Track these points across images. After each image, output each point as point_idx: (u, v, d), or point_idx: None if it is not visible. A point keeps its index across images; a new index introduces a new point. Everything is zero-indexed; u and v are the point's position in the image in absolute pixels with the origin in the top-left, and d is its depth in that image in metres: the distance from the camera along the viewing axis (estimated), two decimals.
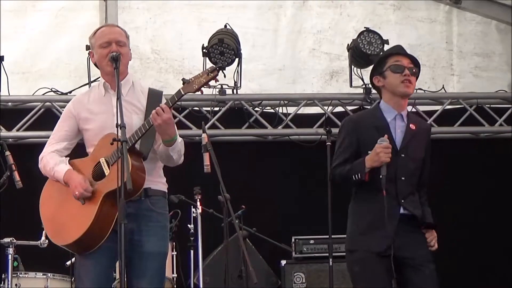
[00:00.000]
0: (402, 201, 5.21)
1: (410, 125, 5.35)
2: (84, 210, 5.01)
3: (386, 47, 8.36)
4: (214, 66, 5.11)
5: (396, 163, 5.18)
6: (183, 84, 5.04)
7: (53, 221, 5.19)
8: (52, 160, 5.22)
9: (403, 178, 5.23)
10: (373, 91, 8.50)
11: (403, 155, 5.26)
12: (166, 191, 5.29)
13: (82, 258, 5.12)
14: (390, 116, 5.34)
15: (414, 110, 8.56)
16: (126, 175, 4.62)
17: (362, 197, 5.31)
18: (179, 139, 5.15)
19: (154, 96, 5.24)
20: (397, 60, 5.36)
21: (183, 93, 5.02)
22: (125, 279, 4.98)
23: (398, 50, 5.47)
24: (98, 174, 5.08)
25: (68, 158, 5.27)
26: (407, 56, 5.43)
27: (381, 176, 5.10)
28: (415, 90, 8.72)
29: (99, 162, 5.07)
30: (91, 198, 5.02)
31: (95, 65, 5.34)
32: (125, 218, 4.64)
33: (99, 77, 5.40)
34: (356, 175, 5.19)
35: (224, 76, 8.22)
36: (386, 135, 5.19)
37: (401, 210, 5.21)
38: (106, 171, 5.03)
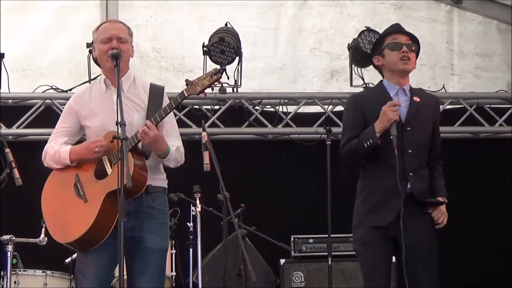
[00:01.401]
0: (410, 174, 5.19)
1: (414, 97, 5.36)
2: (86, 208, 5.02)
3: None
4: (218, 68, 5.10)
5: (402, 136, 5.17)
6: (186, 85, 5.05)
7: (55, 219, 5.19)
8: (55, 146, 5.22)
9: (410, 151, 5.21)
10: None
11: (408, 128, 5.25)
12: (166, 186, 5.29)
13: (83, 254, 5.13)
14: (392, 92, 5.36)
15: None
16: (126, 173, 4.62)
17: (370, 174, 5.31)
18: (174, 148, 5.14)
19: (155, 92, 5.23)
20: (394, 38, 5.38)
21: (186, 94, 5.03)
22: (125, 276, 5.00)
23: (396, 28, 5.49)
24: (101, 173, 5.08)
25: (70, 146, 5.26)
26: (405, 34, 5.45)
27: (391, 137, 5.09)
28: None
29: (102, 160, 5.08)
30: (93, 196, 5.03)
31: (95, 61, 5.32)
32: (125, 216, 4.64)
33: (100, 74, 5.39)
34: (368, 141, 5.17)
35: (228, 77, 8.24)
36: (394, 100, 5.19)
37: (408, 185, 5.18)
38: (109, 170, 5.04)
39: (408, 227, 5.09)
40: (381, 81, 5.49)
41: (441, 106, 8.81)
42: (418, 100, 5.36)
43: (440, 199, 5.32)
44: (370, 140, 5.16)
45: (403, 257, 5.08)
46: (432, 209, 5.28)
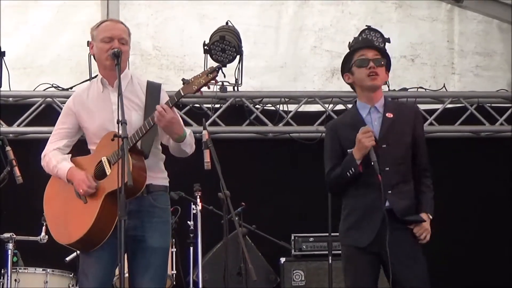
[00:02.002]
0: (389, 192, 5.14)
1: (386, 114, 5.30)
2: (87, 209, 5.01)
3: (387, 46, 8.37)
4: (214, 66, 5.07)
5: (377, 154, 5.11)
6: (183, 84, 5.03)
7: (56, 221, 5.19)
8: (55, 158, 5.21)
9: (387, 169, 5.16)
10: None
11: (384, 146, 5.20)
12: (168, 185, 5.28)
13: (85, 254, 5.13)
14: (364, 112, 5.32)
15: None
16: (126, 172, 4.62)
17: (351, 193, 5.29)
18: (188, 131, 5.14)
19: (153, 90, 5.21)
20: (361, 55, 5.33)
21: (182, 93, 5.00)
22: (127, 275, 5.00)
23: (363, 44, 5.48)
24: (100, 173, 5.07)
25: (70, 155, 5.26)
26: (373, 48, 5.42)
27: (372, 163, 5.06)
28: (416, 89, 8.90)
29: (101, 160, 5.07)
30: (93, 197, 5.03)
31: (93, 56, 5.30)
32: (125, 214, 4.63)
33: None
34: (350, 171, 5.16)
35: (224, 76, 8.24)
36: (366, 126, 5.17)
37: (387, 203, 5.13)
38: (108, 170, 5.03)
39: (390, 241, 5.04)
40: (355, 101, 5.45)
41: (442, 105, 8.92)
42: (392, 116, 5.29)
43: (423, 215, 5.24)
44: (352, 169, 5.16)
45: (390, 269, 5.07)
46: (414, 226, 5.22)
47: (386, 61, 5.37)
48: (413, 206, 5.25)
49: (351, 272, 5.26)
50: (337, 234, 7.48)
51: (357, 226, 5.21)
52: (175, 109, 5.02)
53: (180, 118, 5.14)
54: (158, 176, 5.19)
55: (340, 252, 7.80)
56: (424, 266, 5.21)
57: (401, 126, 5.30)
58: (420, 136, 5.38)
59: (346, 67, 5.42)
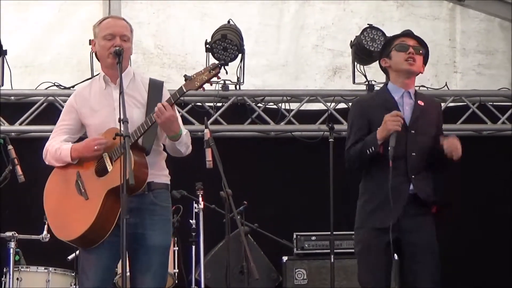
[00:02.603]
0: (413, 176, 5.20)
1: (418, 101, 5.38)
2: (88, 206, 5.00)
3: None
4: (216, 63, 5.07)
5: (406, 139, 5.20)
6: (185, 81, 5.03)
7: (56, 216, 5.18)
8: (56, 144, 5.21)
9: (413, 154, 5.23)
10: (376, 87, 8.55)
11: (413, 131, 5.27)
12: (169, 183, 5.27)
13: (86, 252, 5.11)
14: (397, 95, 5.37)
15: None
16: (128, 171, 4.62)
17: (373, 175, 5.31)
18: (185, 131, 5.14)
19: (155, 88, 5.22)
20: (402, 41, 5.42)
21: (185, 90, 5.01)
22: (128, 273, 5.00)
23: (405, 32, 5.53)
24: (101, 169, 5.07)
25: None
26: (414, 38, 5.48)
27: (389, 148, 5.11)
28: (418, 87, 8.88)
29: (102, 157, 5.07)
30: (94, 194, 5.02)
31: (95, 54, 5.30)
32: (127, 213, 4.63)
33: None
34: (370, 149, 5.19)
35: (226, 72, 8.22)
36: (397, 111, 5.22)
37: (411, 187, 5.20)
38: (109, 166, 5.02)
39: (409, 227, 5.13)
40: (386, 84, 5.49)
41: (443, 104, 8.92)
42: (422, 104, 5.38)
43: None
44: (372, 148, 5.19)
45: (404, 258, 5.14)
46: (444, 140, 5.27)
47: (425, 52, 5.45)
48: (433, 193, 5.31)
49: (370, 257, 5.22)
50: (339, 232, 7.56)
51: (379, 209, 5.20)
52: (175, 107, 5.02)
53: (179, 117, 5.15)
54: (160, 174, 5.19)
55: (342, 251, 7.90)
56: (437, 262, 5.25)
57: (429, 116, 5.40)
58: (441, 129, 5.51)
59: (385, 52, 5.48)
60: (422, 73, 5.42)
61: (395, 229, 5.12)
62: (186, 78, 5.03)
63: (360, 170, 5.36)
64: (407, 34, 5.50)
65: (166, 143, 5.17)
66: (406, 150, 5.19)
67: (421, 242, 5.18)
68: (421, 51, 5.40)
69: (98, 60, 5.31)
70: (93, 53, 5.37)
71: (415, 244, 5.16)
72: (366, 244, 5.26)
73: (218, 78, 5.07)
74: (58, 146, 5.19)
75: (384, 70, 5.53)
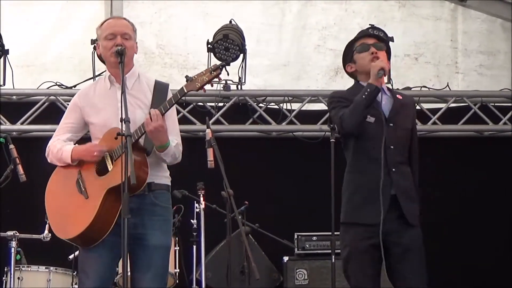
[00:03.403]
0: (393, 170, 5.18)
1: (397, 96, 5.40)
2: (87, 205, 5.01)
3: (390, 44, 8.34)
4: (217, 64, 5.08)
5: (385, 132, 5.18)
6: (186, 81, 5.04)
7: (57, 215, 5.19)
8: (59, 143, 5.23)
9: (392, 147, 5.22)
10: None
11: (391, 125, 5.26)
12: (170, 184, 5.27)
13: (85, 251, 5.11)
14: None
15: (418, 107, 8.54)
16: (129, 170, 4.62)
17: (356, 169, 5.30)
18: (175, 143, 5.13)
19: (160, 90, 5.23)
20: (362, 42, 5.41)
21: (185, 91, 5.03)
22: (129, 273, 5.00)
23: (362, 34, 5.55)
24: (102, 169, 5.08)
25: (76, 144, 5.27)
26: (372, 36, 5.49)
27: (377, 72, 5.13)
28: (419, 88, 8.89)
29: (103, 156, 5.08)
30: (94, 193, 5.02)
31: (100, 57, 5.31)
32: (128, 213, 4.63)
33: (104, 71, 5.39)
34: (366, 92, 5.16)
35: (228, 74, 8.24)
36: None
37: (392, 191, 5.14)
38: (110, 166, 5.03)
39: (394, 228, 5.11)
40: (357, 81, 5.48)
41: (445, 104, 8.92)
42: (401, 98, 5.41)
43: None
44: (368, 89, 5.17)
45: (391, 259, 5.12)
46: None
47: (386, 47, 5.44)
48: (412, 187, 5.29)
49: (357, 262, 5.20)
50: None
51: (366, 203, 5.18)
52: (170, 110, 5.05)
53: (176, 125, 5.17)
54: (160, 175, 5.19)
55: None
56: (423, 259, 5.21)
57: (407, 110, 5.41)
58: (415, 124, 5.50)
59: (348, 58, 5.49)
60: (389, 67, 5.39)
61: (383, 224, 5.10)
62: (187, 79, 5.05)
63: (355, 128, 5.23)
64: (365, 34, 5.52)
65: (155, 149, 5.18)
66: (385, 143, 5.17)
67: (407, 243, 5.15)
68: (381, 46, 5.39)
69: (104, 63, 5.33)
70: (95, 53, 5.38)
71: (399, 243, 5.13)
72: (353, 248, 5.21)
73: (220, 79, 5.09)
74: (60, 146, 5.21)
75: (351, 74, 5.53)
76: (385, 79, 5.42)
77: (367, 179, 5.20)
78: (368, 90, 5.18)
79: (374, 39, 5.44)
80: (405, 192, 5.22)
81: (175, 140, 5.15)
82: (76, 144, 5.23)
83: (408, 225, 5.19)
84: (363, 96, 5.18)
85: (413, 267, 5.17)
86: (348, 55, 5.48)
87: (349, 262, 5.26)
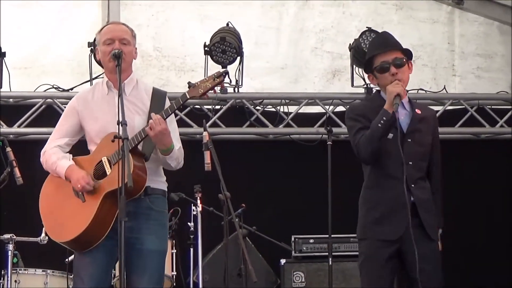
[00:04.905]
0: (412, 185, 5.20)
1: (416, 110, 5.36)
2: (84, 209, 5.01)
3: None
4: (221, 71, 5.12)
5: (402, 148, 5.16)
6: (189, 87, 5.08)
7: (51, 218, 5.20)
8: (55, 155, 5.23)
9: (410, 163, 5.21)
10: (374, 90, 8.55)
11: (409, 140, 5.26)
12: (166, 189, 5.29)
13: (80, 255, 5.12)
14: None
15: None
16: (127, 173, 4.62)
17: (373, 184, 5.31)
18: (177, 146, 5.15)
19: (158, 97, 5.24)
20: (382, 61, 5.32)
21: (188, 96, 5.07)
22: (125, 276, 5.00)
23: (378, 50, 5.38)
24: (100, 173, 5.08)
25: (71, 155, 5.27)
26: (391, 48, 5.37)
27: (394, 104, 5.08)
28: (416, 91, 8.89)
29: (101, 160, 5.08)
30: (91, 196, 5.03)
31: (99, 63, 5.33)
32: (125, 216, 4.63)
33: (102, 73, 5.39)
34: (382, 120, 5.13)
35: (230, 81, 8.24)
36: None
37: (412, 199, 5.17)
38: (108, 170, 5.04)
39: (409, 236, 5.09)
40: (379, 91, 5.47)
41: (442, 107, 8.92)
42: (420, 112, 5.37)
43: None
44: (384, 118, 5.13)
45: (407, 268, 5.15)
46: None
47: (406, 57, 5.37)
48: (431, 201, 5.32)
49: (374, 269, 5.22)
50: (337, 235, 7.55)
51: (384, 219, 5.20)
52: (171, 119, 5.06)
53: (176, 130, 5.19)
54: (157, 180, 5.21)
55: (340, 253, 7.90)
56: (439, 266, 5.31)
57: (426, 125, 5.38)
58: (437, 139, 5.47)
59: (368, 69, 5.42)
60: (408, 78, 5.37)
61: (398, 240, 5.14)
62: (190, 85, 5.09)
63: (371, 157, 5.23)
64: (383, 49, 5.37)
65: (158, 155, 5.17)
66: (403, 159, 5.15)
67: (424, 251, 5.15)
68: (404, 60, 5.33)
69: (103, 68, 5.34)
70: (92, 56, 5.39)
71: (419, 254, 5.10)
72: (370, 256, 5.24)
73: (222, 86, 5.13)
74: (55, 159, 5.22)
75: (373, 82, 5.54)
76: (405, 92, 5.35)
77: (385, 195, 5.20)
78: (384, 118, 5.14)
79: (393, 52, 5.33)
80: (423, 203, 5.24)
81: (177, 144, 5.16)
82: (73, 163, 5.22)
83: (427, 237, 5.23)
84: (379, 125, 5.15)
85: (430, 277, 5.20)
86: (368, 68, 5.41)
87: (364, 268, 5.28)
